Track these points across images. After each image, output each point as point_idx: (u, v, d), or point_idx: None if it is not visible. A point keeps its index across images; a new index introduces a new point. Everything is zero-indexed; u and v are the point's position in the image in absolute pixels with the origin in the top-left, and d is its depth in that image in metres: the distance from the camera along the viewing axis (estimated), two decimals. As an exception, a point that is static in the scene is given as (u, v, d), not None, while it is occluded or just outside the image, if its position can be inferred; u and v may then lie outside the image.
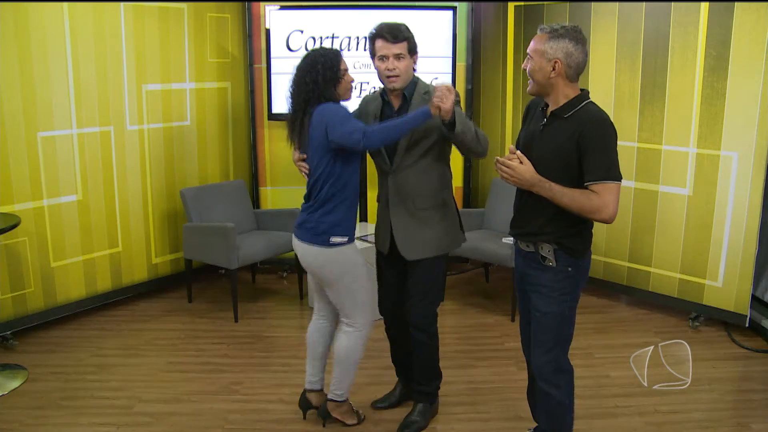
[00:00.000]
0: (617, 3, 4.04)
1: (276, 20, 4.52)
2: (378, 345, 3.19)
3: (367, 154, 2.91)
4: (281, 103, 4.60)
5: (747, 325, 3.77)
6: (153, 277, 4.49)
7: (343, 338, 2.71)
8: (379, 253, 2.82)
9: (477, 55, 4.93)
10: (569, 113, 2.18)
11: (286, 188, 4.88)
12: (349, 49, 4.47)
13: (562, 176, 2.15)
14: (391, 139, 2.48)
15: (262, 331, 3.96)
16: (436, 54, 4.44)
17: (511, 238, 3.97)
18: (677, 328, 3.92)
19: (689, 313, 3.98)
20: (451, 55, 4.52)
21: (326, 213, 2.55)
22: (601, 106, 2.23)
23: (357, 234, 3.23)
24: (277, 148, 4.82)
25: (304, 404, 2.93)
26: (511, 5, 4.65)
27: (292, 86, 2.57)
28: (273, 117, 4.70)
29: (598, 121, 2.15)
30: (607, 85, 4.13)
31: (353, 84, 2.62)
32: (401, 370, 3.06)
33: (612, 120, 2.20)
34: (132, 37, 4.13)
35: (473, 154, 2.58)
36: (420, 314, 2.72)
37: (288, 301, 4.47)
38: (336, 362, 2.75)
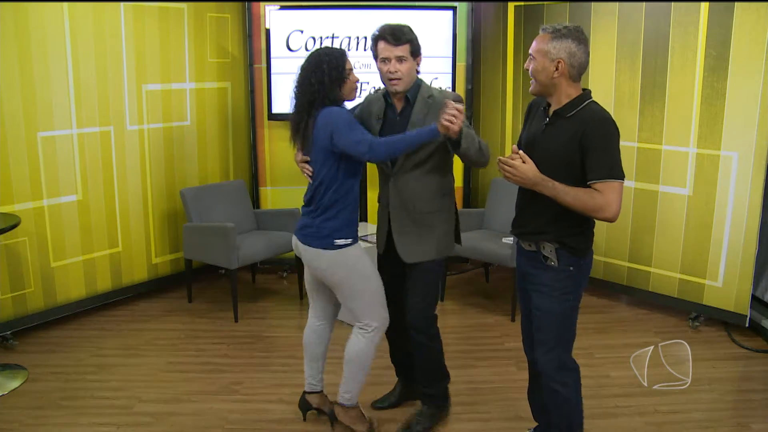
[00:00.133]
0: (617, 3, 4.04)
1: (276, 20, 4.52)
2: (378, 345, 3.18)
3: None
4: (281, 103, 4.61)
5: (747, 325, 3.77)
6: (153, 277, 4.49)
7: (355, 340, 2.67)
8: (377, 254, 2.82)
9: (477, 55, 4.93)
10: (572, 113, 2.18)
11: (286, 188, 4.88)
12: (349, 49, 4.47)
13: (564, 175, 2.15)
14: (395, 154, 2.48)
15: (262, 331, 3.96)
16: (436, 54, 4.44)
17: (511, 238, 4.00)
18: (677, 328, 3.92)
19: (689, 313, 3.98)
20: (451, 55, 4.52)
21: (328, 218, 2.53)
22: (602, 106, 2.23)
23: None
24: (277, 148, 4.82)
25: (304, 406, 2.92)
26: (511, 5, 4.65)
27: (296, 86, 2.53)
28: (273, 117, 4.70)
29: (600, 120, 2.15)
30: (607, 85, 4.13)
31: (358, 84, 2.59)
32: (401, 370, 3.06)
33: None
34: (132, 37, 4.13)
35: (475, 165, 2.59)
36: (418, 316, 2.71)
37: (288, 301, 4.47)
38: (345, 363, 2.71)
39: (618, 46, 4.06)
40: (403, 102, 2.62)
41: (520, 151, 2.18)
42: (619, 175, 2.13)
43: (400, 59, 2.50)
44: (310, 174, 2.57)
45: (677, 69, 3.83)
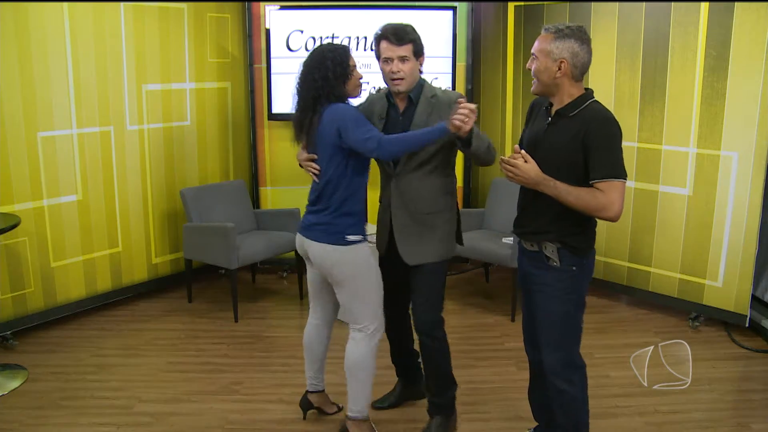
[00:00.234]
0: (617, 3, 4.04)
1: (276, 20, 4.52)
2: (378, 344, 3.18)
3: None
4: (281, 103, 4.61)
5: (747, 325, 3.77)
6: (153, 277, 4.49)
7: (354, 346, 2.61)
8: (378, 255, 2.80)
9: (477, 55, 4.94)
10: (574, 112, 2.18)
11: (286, 188, 4.88)
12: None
13: (566, 175, 2.14)
14: (404, 152, 2.44)
15: (262, 331, 3.96)
16: (436, 54, 4.44)
17: (511, 238, 4.00)
18: (677, 328, 3.92)
19: (689, 313, 3.98)
20: (451, 55, 4.52)
21: (340, 215, 2.50)
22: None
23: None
24: (277, 148, 4.82)
25: (306, 405, 2.91)
26: (511, 5, 4.65)
27: (299, 83, 2.49)
28: (273, 117, 4.70)
29: (603, 119, 2.15)
30: (607, 85, 4.13)
31: (362, 81, 2.55)
32: (401, 370, 3.06)
33: None
34: (132, 37, 4.13)
35: (482, 164, 2.56)
36: (424, 320, 2.67)
37: (288, 301, 4.47)
38: (350, 376, 2.63)
39: (618, 46, 4.06)
40: (405, 102, 2.59)
41: (522, 151, 2.18)
42: (622, 175, 2.13)
43: (402, 59, 2.47)
44: (316, 172, 2.52)
45: (677, 69, 3.83)
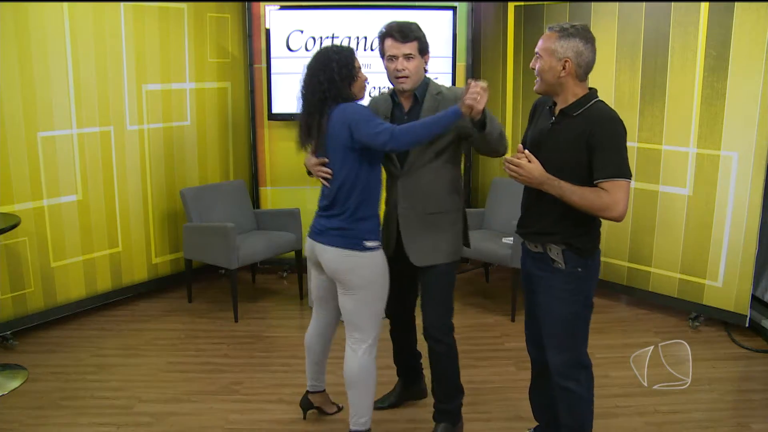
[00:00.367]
0: (617, 3, 4.04)
1: (276, 20, 4.52)
2: (378, 344, 3.18)
3: None
4: (281, 103, 4.61)
5: (747, 325, 3.77)
6: (153, 277, 4.49)
7: (354, 360, 2.52)
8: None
9: (477, 55, 4.93)
10: (578, 112, 2.17)
11: (286, 188, 4.88)
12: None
13: (571, 174, 2.13)
14: (419, 141, 2.34)
15: (262, 331, 3.96)
16: (436, 54, 4.39)
17: (511, 238, 4.00)
18: (677, 328, 3.92)
19: (689, 313, 3.98)
20: (451, 55, 4.52)
21: (357, 220, 2.43)
22: None
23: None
24: (277, 148, 4.82)
25: (306, 404, 2.91)
26: (511, 5, 4.65)
27: (304, 86, 2.43)
28: (273, 117, 4.70)
29: (607, 119, 2.13)
30: (607, 85, 4.13)
31: (367, 83, 2.50)
32: (402, 371, 3.05)
33: None
34: (132, 37, 4.13)
35: (494, 153, 2.47)
36: (435, 325, 2.63)
37: (288, 301, 4.47)
38: (351, 388, 2.56)
39: (618, 46, 4.06)
40: (411, 101, 2.55)
41: (526, 151, 2.16)
42: (627, 174, 2.11)
43: (407, 57, 2.43)
44: (328, 176, 2.45)
45: (677, 69, 3.83)
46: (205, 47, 4.59)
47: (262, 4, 4.57)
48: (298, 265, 4.50)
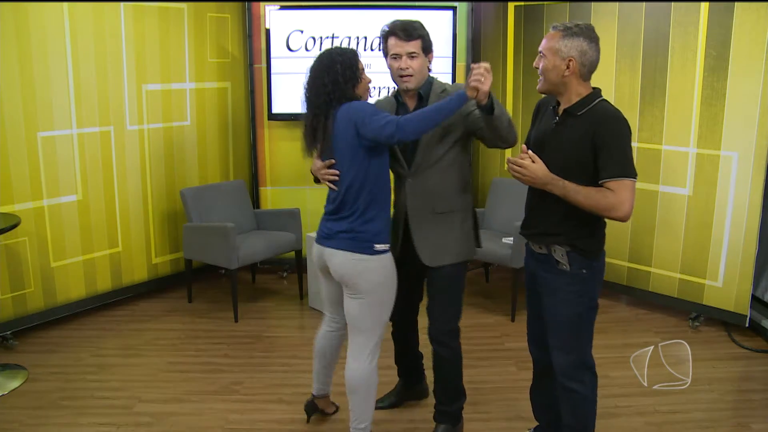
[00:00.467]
0: (617, 3, 4.04)
1: (276, 20, 4.52)
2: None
3: None
4: (281, 103, 4.61)
5: (747, 325, 3.77)
6: (153, 277, 4.49)
7: (356, 366, 2.49)
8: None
9: (477, 55, 4.93)
10: (582, 111, 2.15)
11: (286, 188, 4.88)
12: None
13: (575, 174, 2.12)
14: (426, 128, 2.27)
15: (262, 331, 3.96)
16: (436, 54, 4.40)
17: (511, 238, 3.99)
18: (677, 328, 3.92)
19: (689, 313, 3.98)
20: (451, 55, 4.52)
21: (367, 221, 2.38)
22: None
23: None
24: (277, 148, 4.82)
25: (311, 409, 2.86)
26: (511, 5, 4.65)
27: (308, 89, 2.39)
28: (273, 117, 4.70)
29: (612, 118, 2.12)
30: (607, 85, 4.13)
31: (371, 84, 2.48)
32: (404, 371, 3.03)
33: None
34: (132, 37, 4.13)
35: (503, 143, 2.39)
36: (441, 329, 2.60)
37: (288, 301, 4.47)
38: (352, 394, 2.53)
39: (618, 46, 4.06)
40: (415, 100, 2.51)
41: (530, 151, 2.15)
42: (632, 174, 2.09)
43: (411, 55, 2.41)
44: (335, 178, 2.40)
45: (677, 69, 3.83)
46: (205, 47, 4.59)
47: (262, 4, 4.57)
48: (298, 265, 4.50)
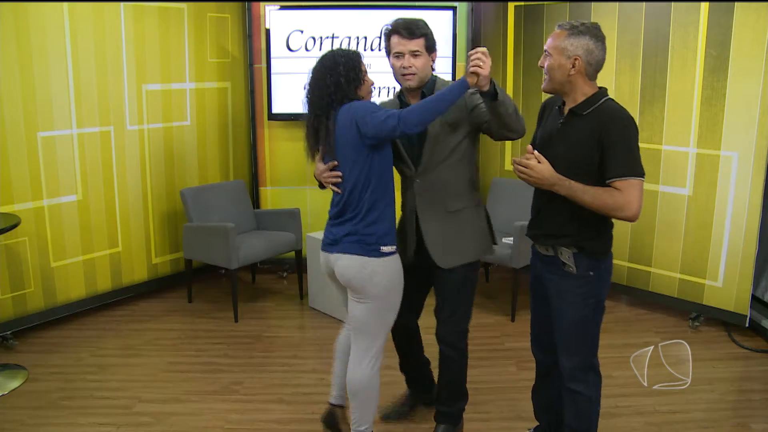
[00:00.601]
0: (617, 3, 4.04)
1: (276, 20, 4.52)
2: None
3: None
4: (281, 103, 4.61)
5: (747, 325, 3.77)
6: (153, 277, 4.49)
7: (358, 371, 2.44)
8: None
9: (477, 55, 4.93)
10: (588, 110, 2.13)
11: (286, 188, 4.88)
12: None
13: (582, 174, 2.10)
14: (429, 118, 2.21)
15: (262, 331, 3.96)
16: (436, 54, 4.43)
17: (511, 238, 3.99)
18: (677, 328, 3.92)
19: (689, 313, 3.98)
20: (451, 55, 4.52)
21: (371, 223, 2.33)
22: None
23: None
24: (277, 148, 4.82)
25: (331, 421, 2.66)
26: (511, 5, 4.65)
27: (310, 90, 2.36)
28: (273, 117, 4.70)
29: (619, 117, 2.10)
30: (607, 85, 4.03)
31: (373, 86, 2.43)
32: (412, 379, 2.94)
33: None
34: (132, 37, 4.13)
35: (511, 133, 2.32)
36: (451, 330, 2.56)
37: (288, 301, 4.47)
38: (354, 397, 2.49)
39: (618, 46, 4.06)
40: (419, 99, 2.45)
41: (535, 152, 2.13)
42: (640, 173, 2.07)
43: (414, 54, 2.37)
44: (338, 180, 2.36)
45: (677, 69, 3.83)
46: (205, 47, 4.59)
47: (262, 4, 4.57)
48: (298, 265, 4.50)
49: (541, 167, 2.10)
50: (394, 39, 2.41)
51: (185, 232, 4.29)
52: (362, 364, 2.45)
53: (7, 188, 3.61)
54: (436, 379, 2.80)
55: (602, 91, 2.17)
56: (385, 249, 2.35)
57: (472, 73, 2.12)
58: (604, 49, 2.13)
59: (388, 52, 2.46)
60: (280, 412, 3.03)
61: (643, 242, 4.14)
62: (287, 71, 4.53)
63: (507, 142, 4.74)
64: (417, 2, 4.64)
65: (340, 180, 2.36)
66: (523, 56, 4.58)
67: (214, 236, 4.09)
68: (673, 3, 3.80)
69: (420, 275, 2.58)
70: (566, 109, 2.19)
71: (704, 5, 3.67)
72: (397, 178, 2.47)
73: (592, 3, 4.15)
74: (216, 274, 4.87)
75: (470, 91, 2.21)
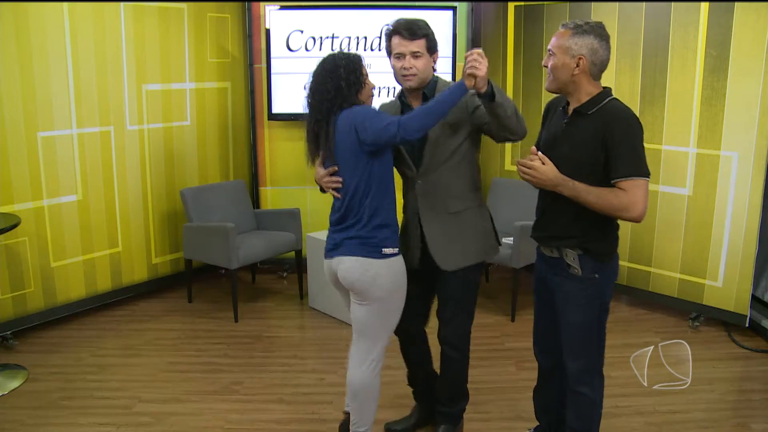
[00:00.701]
0: (617, 3, 4.04)
1: (276, 20, 4.52)
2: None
3: None
4: (281, 103, 4.62)
5: (747, 325, 3.77)
6: (153, 277, 4.49)
7: (359, 374, 2.43)
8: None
9: (477, 55, 4.93)
10: (593, 110, 2.11)
11: (286, 188, 4.88)
12: (349, 50, 4.46)
13: (586, 175, 2.08)
14: (429, 124, 2.20)
15: (262, 331, 3.96)
16: (436, 54, 4.43)
17: (511, 238, 3.99)
18: (677, 328, 3.92)
19: (689, 313, 3.98)
20: (451, 55, 4.52)
21: (374, 228, 2.31)
22: None
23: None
24: (277, 148, 4.82)
25: (348, 429, 2.57)
26: (511, 5, 4.65)
27: (311, 94, 2.34)
28: (273, 117, 4.70)
29: (624, 117, 2.08)
30: (607, 85, 4.12)
31: (374, 90, 2.42)
32: (421, 391, 2.88)
33: None
34: (132, 37, 4.13)
35: (512, 135, 2.32)
36: (454, 332, 2.56)
37: (288, 301, 4.47)
38: (354, 398, 2.47)
39: (618, 46, 4.06)
40: (420, 100, 2.45)
41: (539, 153, 2.12)
42: (645, 173, 2.05)
43: (415, 55, 2.36)
44: (339, 185, 2.35)
45: (677, 69, 3.83)
46: (205, 47, 4.59)
47: (262, 4, 4.57)
48: (298, 265, 4.50)
49: (545, 168, 2.09)
50: (395, 40, 2.39)
51: (185, 232, 4.29)
52: (363, 366, 2.43)
53: (7, 188, 3.61)
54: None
55: (607, 91, 2.15)
56: (387, 250, 2.34)
57: (469, 74, 2.11)
58: (608, 48, 2.11)
59: (389, 53, 2.44)
60: (280, 412, 3.03)
61: (643, 242, 4.14)
62: (287, 71, 4.53)
63: (508, 145, 4.77)
64: (417, 2, 4.64)
65: (340, 185, 2.35)
66: (523, 56, 4.58)
67: (214, 236, 4.09)
68: (673, 3, 3.80)
69: (426, 279, 2.56)
70: (570, 109, 2.17)
71: (704, 5, 3.67)
72: (398, 179, 2.46)
73: (592, 3, 4.15)
74: (216, 274, 4.87)
75: (471, 92, 2.20)
